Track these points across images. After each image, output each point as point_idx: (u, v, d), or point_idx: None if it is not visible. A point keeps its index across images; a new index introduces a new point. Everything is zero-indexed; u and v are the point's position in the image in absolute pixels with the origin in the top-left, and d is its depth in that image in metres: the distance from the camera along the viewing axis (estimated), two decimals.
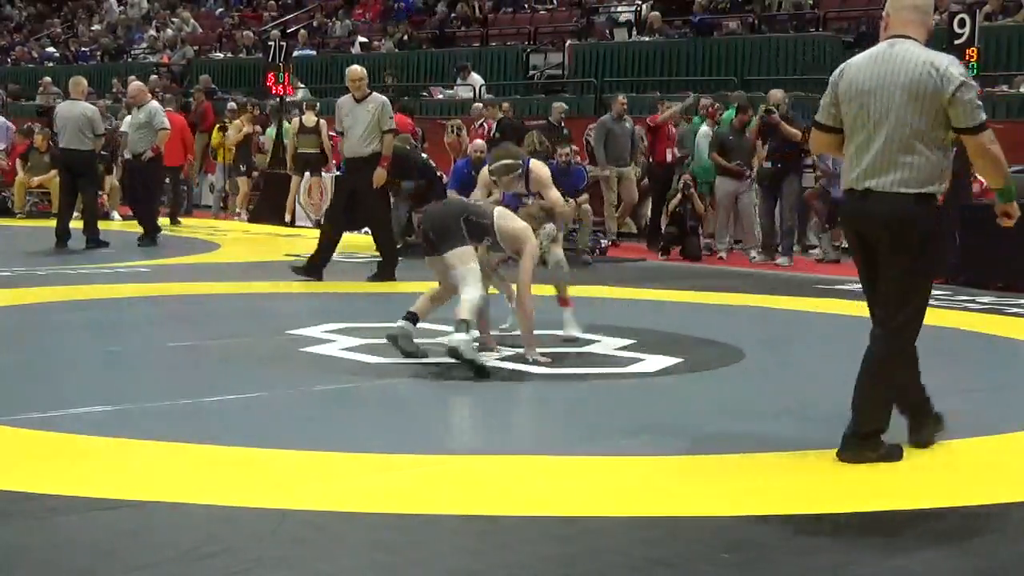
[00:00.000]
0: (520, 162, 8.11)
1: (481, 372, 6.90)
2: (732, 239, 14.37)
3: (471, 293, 7.11)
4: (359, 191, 11.41)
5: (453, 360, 6.92)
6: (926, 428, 5.43)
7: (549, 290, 8.21)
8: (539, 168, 8.32)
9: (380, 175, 11.46)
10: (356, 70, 11.53)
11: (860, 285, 5.41)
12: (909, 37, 5.13)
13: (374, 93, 11.50)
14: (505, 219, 7.43)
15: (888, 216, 5.04)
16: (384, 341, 7.47)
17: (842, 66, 5.29)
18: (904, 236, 5.04)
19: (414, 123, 16.36)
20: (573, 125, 17.28)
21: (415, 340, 7.44)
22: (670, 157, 15.28)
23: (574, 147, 16.24)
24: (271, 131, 19.02)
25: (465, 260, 7.22)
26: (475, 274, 7.21)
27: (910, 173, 5.02)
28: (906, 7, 5.17)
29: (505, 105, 17.78)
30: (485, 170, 8.43)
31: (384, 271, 11.44)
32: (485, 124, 16.81)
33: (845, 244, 14.03)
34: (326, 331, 8.27)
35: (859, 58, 5.25)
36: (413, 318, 7.44)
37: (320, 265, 11.43)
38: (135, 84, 15.13)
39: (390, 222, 12.10)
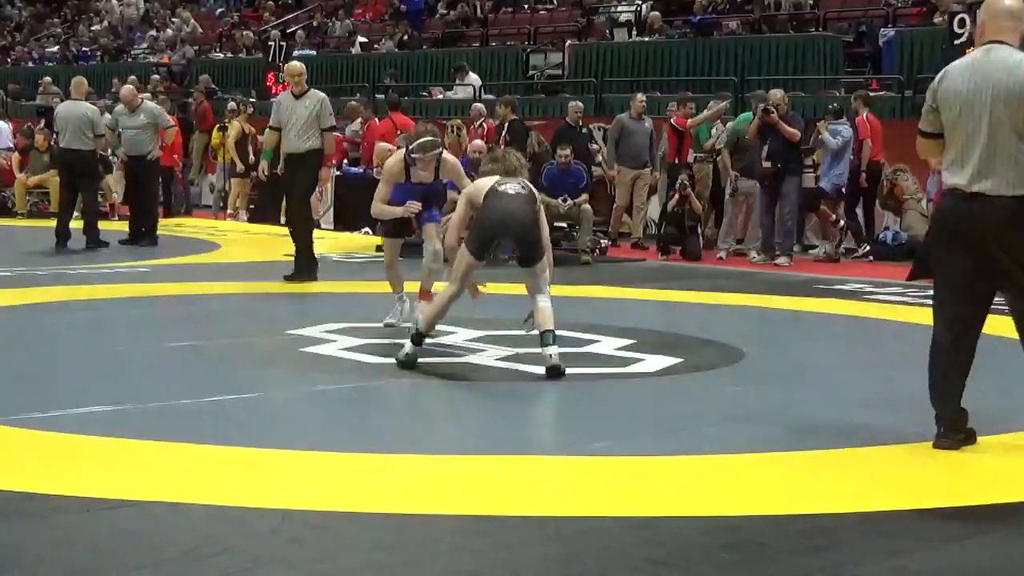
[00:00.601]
0: (440, 141, 8.10)
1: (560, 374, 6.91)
2: (735, 240, 14.35)
3: (547, 300, 7.07)
4: (291, 187, 11.22)
5: (556, 376, 6.86)
6: (959, 436, 5.46)
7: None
8: (452, 157, 8.29)
9: (325, 175, 11.32)
10: (295, 66, 11.44)
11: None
12: (1004, 43, 5.29)
13: (313, 90, 11.37)
14: (539, 194, 7.37)
15: (996, 219, 5.19)
16: (384, 341, 7.48)
17: (941, 72, 5.46)
18: (1016, 234, 5.19)
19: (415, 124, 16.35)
20: None
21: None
22: (692, 158, 15.29)
23: (594, 146, 16.16)
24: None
25: (546, 267, 7.18)
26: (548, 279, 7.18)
27: (1014, 175, 5.16)
28: (1001, 14, 5.33)
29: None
30: (392, 162, 8.14)
31: (300, 270, 11.21)
32: (485, 124, 16.78)
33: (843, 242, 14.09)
34: (326, 331, 8.27)
35: (957, 64, 5.42)
36: (420, 340, 7.12)
37: (309, 266, 11.30)
38: (127, 88, 15.08)
39: (311, 220, 11.73)
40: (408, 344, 7.06)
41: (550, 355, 6.89)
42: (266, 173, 11.58)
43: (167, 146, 14.66)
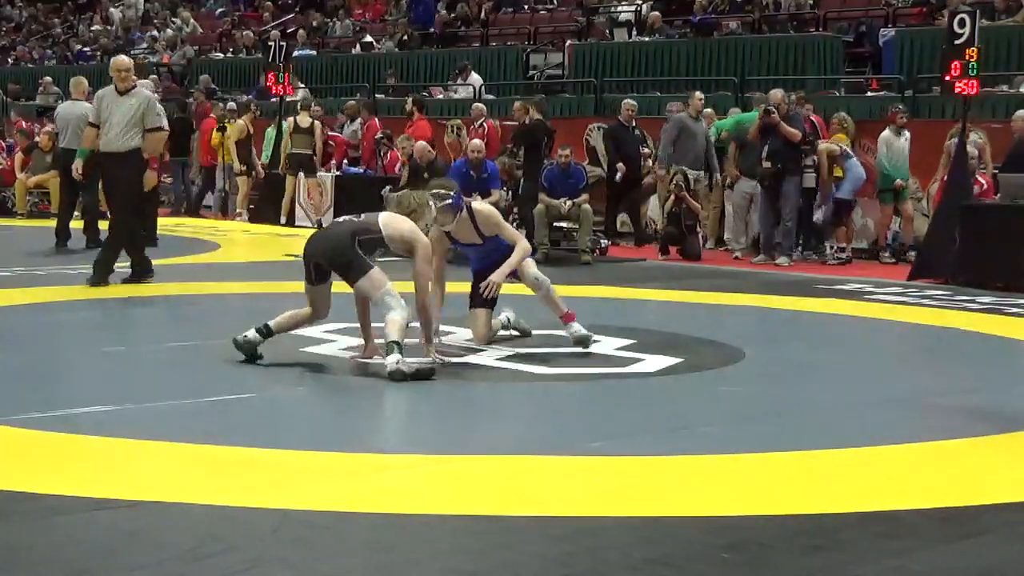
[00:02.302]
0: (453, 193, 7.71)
1: (429, 374, 6.78)
2: (748, 240, 14.29)
3: (398, 314, 6.86)
4: (111, 187, 10.72)
5: (398, 381, 6.65)
6: None
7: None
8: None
9: (151, 178, 10.74)
10: (121, 60, 10.88)
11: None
12: None
13: (139, 88, 10.80)
14: (394, 222, 7.18)
15: None
16: (382, 341, 7.45)
17: None
18: None
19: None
20: (572, 125, 17.26)
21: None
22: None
23: (645, 150, 15.86)
24: (270, 131, 19.02)
25: (379, 284, 6.99)
26: (395, 295, 6.97)
27: None
28: None
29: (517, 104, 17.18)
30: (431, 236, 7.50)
31: (137, 272, 10.82)
32: (485, 124, 16.76)
33: (845, 244, 14.07)
34: (326, 331, 8.26)
35: None
36: (268, 331, 7.21)
37: (142, 265, 10.89)
38: (145, 82, 15.10)
39: (129, 223, 10.82)
40: (252, 332, 7.19)
41: (387, 369, 6.68)
42: (80, 171, 10.98)
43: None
